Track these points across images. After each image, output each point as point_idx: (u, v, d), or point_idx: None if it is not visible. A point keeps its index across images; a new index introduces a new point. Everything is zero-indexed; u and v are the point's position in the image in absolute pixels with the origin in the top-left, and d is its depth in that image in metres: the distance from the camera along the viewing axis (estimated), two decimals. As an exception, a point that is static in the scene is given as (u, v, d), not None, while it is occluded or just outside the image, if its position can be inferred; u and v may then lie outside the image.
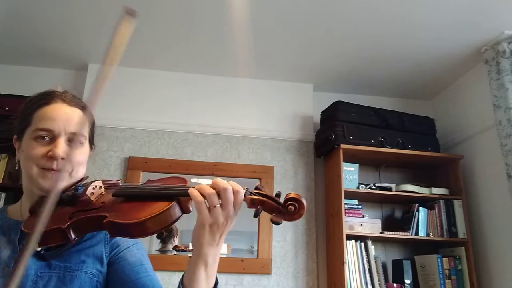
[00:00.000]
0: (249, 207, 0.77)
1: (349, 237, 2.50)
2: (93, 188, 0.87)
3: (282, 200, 0.77)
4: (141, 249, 0.95)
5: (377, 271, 2.48)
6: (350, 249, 2.48)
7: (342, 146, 2.62)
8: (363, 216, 2.59)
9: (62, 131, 0.88)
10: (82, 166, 0.92)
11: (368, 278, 2.45)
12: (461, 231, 2.55)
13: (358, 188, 2.61)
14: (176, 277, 2.50)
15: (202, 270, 0.77)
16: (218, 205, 0.75)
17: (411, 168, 3.02)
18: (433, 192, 2.66)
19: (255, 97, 3.01)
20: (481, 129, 2.67)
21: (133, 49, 2.74)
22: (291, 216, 0.75)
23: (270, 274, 2.61)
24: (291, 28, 2.43)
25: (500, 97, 2.37)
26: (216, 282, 0.81)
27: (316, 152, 2.94)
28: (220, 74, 3.00)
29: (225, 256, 2.67)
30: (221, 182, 0.76)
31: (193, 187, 0.77)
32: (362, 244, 2.51)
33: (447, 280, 2.47)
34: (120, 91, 2.87)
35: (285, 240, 2.69)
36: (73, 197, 0.86)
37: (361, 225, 2.56)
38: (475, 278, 2.45)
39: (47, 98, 0.93)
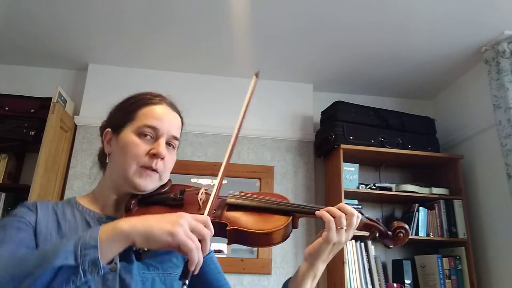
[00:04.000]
0: (360, 229, 0.86)
1: (349, 237, 2.50)
2: (201, 194, 0.88)
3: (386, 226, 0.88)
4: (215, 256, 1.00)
5: (377, 271, 2.48)
6: (350, 249, 2.48)
7: (342, 146, 2.61)
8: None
9: (165, 132, 0.88)
10: (169, 171, 0.92)
11: (368, 278, 2.45)
12: (461, 231, 2.55)
13: (358, 188, 2.61)
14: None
15: (310, 281, 0.85)
16: (345, 227, 0.82)
17: (411, 168, 3.01)
18: (433, 192, 2.66)
19: (255, 97, 2.99)
20: (481, 129, 2.67)
21: (133, 50, 2.74)
22: (400, 241, 0.86)
23: (270, 274, 2.61)
24: (291, 28, 2.43)
25: (500, 97, 2.37)
26: None
27: (316, 152, 2.94)
28: (220, 74, 2.99)
29: (225, 256, 2.67)
30: (348, 207, 0.83)
31: (318, 209, 0.84)
32: (362, 244, 2.51)
33: (447, 280, 2.47)
34: (120, 92, 2.86)
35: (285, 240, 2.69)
36: (179, 200, 0.87)
37: (361, 225, 2.55)
38: (475, 278, 2.45)
39: (155, 98, 0.94)
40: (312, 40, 2.55)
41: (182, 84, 2.96)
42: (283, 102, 3.03)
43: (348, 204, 2.72)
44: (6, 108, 2.57)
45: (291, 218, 0.84)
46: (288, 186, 2.83)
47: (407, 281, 2.51)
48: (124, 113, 0.91)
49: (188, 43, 2.63)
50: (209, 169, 2.75)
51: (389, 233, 0.86)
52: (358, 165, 2.70)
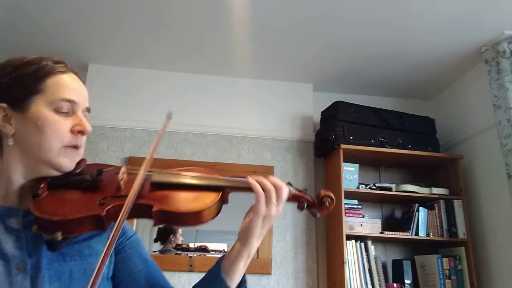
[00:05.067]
0: (289, 200, 0.85)
1: (349, 237, 2.50)
2: (122, 173, 0.81)
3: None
4: (139, 237, 0.94)
5: (377, 271, 2.48)
6: (350, 249, 2.48)
7: (342, 146, 2.61)
8: (363, 216, 2.59)
9: (81, 105, 0.81)
10: None
11: (368, 278, 2.45)
12: (461, 231, 2.55)
13: (358, 188, 2.61)
14: (176, 277, 2.50)
15: (244, 260, 0.81)
16: (275, 201, 0.80)
17: (411, 168, 3.01)
18: (433, 192, 2.66)
19: (255, 97, 3.01)
20: (481, 129, 2.67)
21: (133, 50, 2.74)
22: (326, 209, 0.85)
23: (270, 274, 2.60)
24: (291, 28, 2.43)
25: (500, 97, 2.37)
26: (244, 276, 0.84)
27: (316, 152, 2.94)
28: (220, 74, 2.99)
29: (225, 256, 2.67)
30: (278, 181, 0.81)
31: (250, 178, 0.82)
32: (362, 244, 2.51)
33: (447, 280, 2.47)
34: (120, 91, 2.88)
35: (285, 240, 2.69)
36: (96, 181, 0.79)
37: (361, 225, 2.56)
38: (475, 278, 2.45)
39: (58, 65, 0.79)
40: (312, 40, 2.55)
41: (182, 84, 2.96)
42: (283, 102, 3.03)
43: (348, 204, 2.71)
44: (6, 108, 2.57)
45: (220, 194, 0.81)
46: (288, 186, 2.83)
47: (407, 281, 2.51)
48: (25, 84, 0.75)
49: (187, 43, 2.63)
50: (209, 169, 2.74)
51: (316, 202, 0.86)
52: (358, 165, 2.70)
